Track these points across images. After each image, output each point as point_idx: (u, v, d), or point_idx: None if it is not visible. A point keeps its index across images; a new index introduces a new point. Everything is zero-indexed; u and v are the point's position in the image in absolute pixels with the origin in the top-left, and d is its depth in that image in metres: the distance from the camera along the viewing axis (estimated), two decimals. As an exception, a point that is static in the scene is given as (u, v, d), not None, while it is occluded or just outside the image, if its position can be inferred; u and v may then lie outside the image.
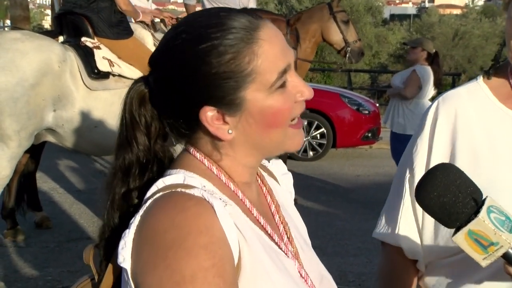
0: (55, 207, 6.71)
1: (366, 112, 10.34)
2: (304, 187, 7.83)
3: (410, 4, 69.21)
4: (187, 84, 1.09)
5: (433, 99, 6.70)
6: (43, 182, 7.66)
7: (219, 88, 1.07)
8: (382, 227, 1.62)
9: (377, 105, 11.66)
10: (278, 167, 1.39)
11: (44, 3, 58.78)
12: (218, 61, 1.06)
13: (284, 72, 1.10)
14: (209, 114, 1.09)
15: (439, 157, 1.47)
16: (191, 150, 1.15)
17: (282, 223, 1.23)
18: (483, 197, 1.17)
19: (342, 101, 10.30)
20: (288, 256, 1.17)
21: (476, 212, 1.15)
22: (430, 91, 6.80)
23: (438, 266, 1.52)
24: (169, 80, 1.11)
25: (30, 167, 5.69)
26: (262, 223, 1.15)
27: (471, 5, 35.72)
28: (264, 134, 1.11)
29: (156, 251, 0.98)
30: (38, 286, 4.57)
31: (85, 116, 4.77)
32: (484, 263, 1.16)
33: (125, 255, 1.02)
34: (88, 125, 4.79)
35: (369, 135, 10.32)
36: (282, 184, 1.36)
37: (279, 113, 1.10)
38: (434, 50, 6.90)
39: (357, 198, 7.75)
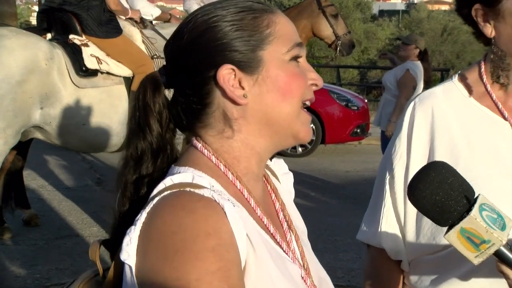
0: (43, 204, 6.68)
1: (355, 108, 10.37)
2: (294, 183, 7.82)
3: (399, 0, 69.39)
4: (206, 43, 1.11)
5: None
6: (32, 179, 7.63)
7: (239, 45, 1.10)
8: (365, 229, 1.64)
9: (366, 101, 11.70)
10: (279, 166, 1.39)
11: (32, -1, 58.39)
12: (239, 19, 1.11)
13: (299, 45, 1.15)
14: (226, 74, 1.10)
15: (418, 157, 1.49)
16: (199, 147, 1.14)
17: (287, 221, 1.23)
18: (476, 195, 1.17)
19: (331, 97, 10.31)
20: (290, 259, 1.16)
21: (468, 210, 1.15)
22: (421, 87, 6.81)
23: (421, 263, 1.54)
24: (185, 48, 1.13)
25: (17, 165, 5.66)
26: (265, 223, 1.14)
27: (459, 1, 35.77)
28: (279, 101, 1.12)
29: (163, 253, 0.97)
30: (26, 284, 4.55)
31: (73, 114, 4.75)
32: (476, 261, 1.16)
33: (129, 252, 1.00)
34: (77, 122, 4.77)
35: (358, 131, 10.35)
36: (283, 183, 1.36)
37: (293, 82, 1.12)
38: (424, 48, 6.92)
39: (347, 194, 7.77)
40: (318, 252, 4.59)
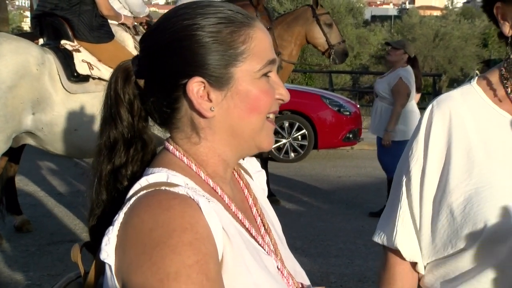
0: (36, 210, 6.66)
1: (347, 113, 10.38)
2: (286, 189, 7.84)
3: (391, 5, 69.62)
4: (181, 51, 1.12)
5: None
6: (24, 185, 7.61)
7: (213, 59, 1.11)
8: (381, 230, 1.63)
9: (358, 106, 11.72)
10: (252, 164, 1.41)
11: (23, 4, 58.29)
12: (216, 31, 1.12)
13: (273, 62, 1.16)
14: (195, 86, 1.11)
15: (435, 160, 1.48)
16: (171, 149, 1.17)
17: (259, 215, 1.27)
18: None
19: (323, 102, 10.33)
20: (266, 252, 1.19)
21: None
22: (414, 94, 6.80)
23: (437, 266, 1.54)
24: (161, 49, 1.14)
25: (9, 170, 5.64)
26: (240, 218, 1.17)
27: (450, 7, 35.98)
28: (245, 117, 1.14)
29: (142, 250, 1.00)
30: (18, 291, 4.53)
31: (65, 119, 4.74)
32: None
33: (108, 251, 1.03)
34: (68, 128, 4.76)
35: (350, 136, 10.36)
36: (256, 181, 1.38)
37: (262, 98, 1.14)
38: (413, 54, 6.92)
39: (339, 199, 7.78)
40: (310, 257, 4.59)
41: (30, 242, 5.55)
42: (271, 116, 1.19)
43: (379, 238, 1.62)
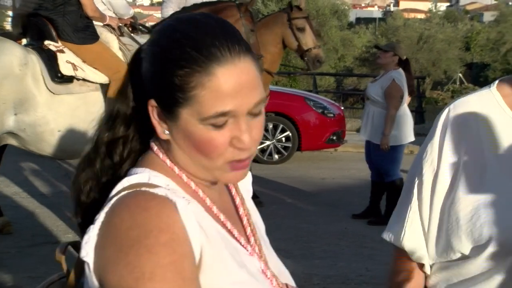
0: (17, 211, 6.60)
1: (331, 115, 10.40)
2: (270, 190, 7.84)
3: (376, 8, 69.93)
4: (150, 72, 1.14)
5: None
6: (5, 186, 7.55)
7: (165, 93, 1.12)
8: (390, 228, 1.64)
9: (342, 108, 11.74)
10: None
11: (6, 3, 57.77)
12: (174, 70, 1.10)
13: (225, 115, 1.09)
14: (152, 107, 1.14)
15: (447, 165, 1.47)
16: (155, 149, 1.19)
17: (246, 215, 1.28)
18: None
19: (307, 104, 10.34)
20: (248, 252, 1.20)
21: None
22: (406, 96, 6.76)
23: (440, 269, 1.55)
24: (147, 54, 1.16)
25: (-9, 171, 5.60)
26: (222, 220, 1.18)
27: (434, 10, 36.22)
28: (193, 154, 1.14)
29: (118, 248, 1.02)
30: (-1, 293, 4.50)
31: (48, 120, 4.72)
32: None
33: (88, 250, 1.05)
34: (52, 129, 4.73)
35: (334, 138, 10.38)
36: (241, 182, 1.36)
37: (205, 145, 1.11)
38: (405, 57, 6.86)
39: (323, 201, 7.79)
40: (294, 258, 4.59)
41: (11, 244, 5.50)
42: (237, 162, 1.14)
43: (388, 236, 1.63)
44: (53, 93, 4.76)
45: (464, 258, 1.43)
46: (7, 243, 5.53)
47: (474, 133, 1.47)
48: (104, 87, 5.06)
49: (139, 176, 1.13)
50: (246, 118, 1.11)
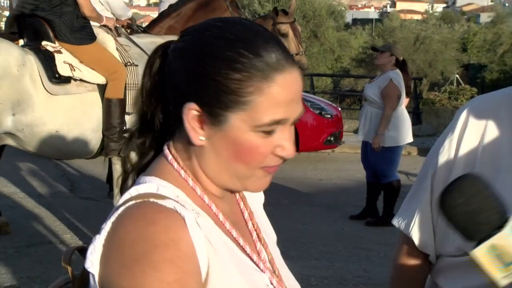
0: (15, 211, 6.60)
1: (329, 116, 10.40)
2: (266, 191, 7.80)
3: (372, 9, 69.97)
4: (192, 74, 1.08)
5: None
6: (3, 186, 7.55)
7: (214, 96, 1.06)
8: (400, 215, 1.64)
9: (340, 109, 11.74)
10: None
11: (3, 4, 57.76)
12: (228, 72, 1.05)
13: (278, 123, 1.08)
14: (192, 111, 1.08)
15: (463, 162, 1.47)
16: (169, 158, 1.15)
17: (255, 230, 1.24)
18: (509, 215, 1.12)
19: (305, 105, 10.21)
20: (260, 268, 1.17)
21: (500, 227, 1.10)
22: (404, 96, 6.76)
23: (444, 262, 1.56)
24: (184, 59, 1.10)
25: (-11, 172, 5.60)
26: (234, 236, 1.15)
27: (430, 11, 36.27)
28: (231, 162, 1.10)
29: (123, 262, 0.99)
30: (-4, 293, 4.50)
31: (46, 121, 4.71)
32: (503, 282, 1.11)
33: (93, 260, 1.02)
34: (49, 129, 4.73)
35: (332, 139, 10.38)
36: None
37: (250, 152, 1.08)
38: (402, 58, 6.85)
39: (320, 202, 7.80)
40: (291, 259, 4.60)
41: (9, 244, 5.50)
42: (276, 164, 1.13)
43: (397, 223, 1.64)
44: (51, 94, 4.75)
45: (464, 255, 1.41)
46: (4, 243, 5.53)
47: (494, 132, 1.46)
48: (102, 88, 5.06)
49: (148, 185, 1.09)
50: (290, 127, 1.11)
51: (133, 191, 1.08)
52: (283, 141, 1.10)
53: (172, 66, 1.12)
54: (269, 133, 1.08)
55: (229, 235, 1.14)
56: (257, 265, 1.17)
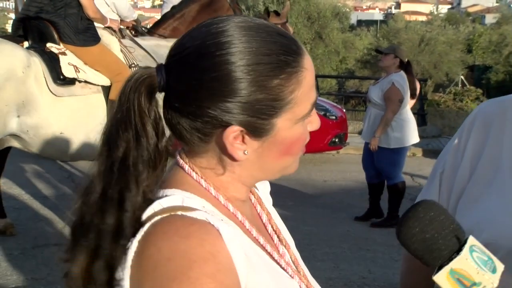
0: (20, 213, 6.61)
1: (333, 117, 10.40)
2: (271, 192, 7.80)
3: (377, 10, 69.93)
4: (226, 92, 1.00)
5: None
6: (8, 188, 7.55)
7: (255, 111, 1.01)
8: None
9: (344, 110, 11.74)
10: None
11: (8, 6, 57.91)
12: (265, 84, 1.00)
13: (314, 104, 1.08)
14: (233, 134, 1.02)
15: (469, 161, 1.47)
16: (186, 168, 1.08)
17: (275, 232, 1.20)
18: (466, 237, 1.13)
19: (309, 106, 10.33)
20: (290, 275, 1.13)
21: (458, 250, 1.11)
22: (408, 99, 6.75)
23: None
24: (206, 70, 1.00)
25: (-6, 173, 5.60)
26: (262, 243, 1.10)
27: (435, 13, 36.21)
28: (279, 160, 1.08)
29: (159, 282, 0.92)
30: (2, 295, 4.51)
31: (50, 122, 4.73)
32: None
33: (122, 284, 0.97)
34: (54, 131, 4.74)
35: (336, 140, 10.38)
36: (261, 191, 1.31)
37: (298, 142, 1.08)
38: (406, 59, 6.83)
39: (324, 203, 7.79)
40: (296, 261, 4.45)
41: (14, 246, 5.52)
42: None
43: None
44: (56, 95, 4.77)
45: None
46: (10, 245, 5.54)
47: (499, 135, 1.45)
48: (106, 90, 5.07)
49: (172, 198, 1.01)
50: None
51: (156, 206, 1.00)
52: (314, 117, 1.10)
53: (193, 81, 1.01)
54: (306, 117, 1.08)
55: (256, 242, 1.09)
56: (285, 271, 1.13)
